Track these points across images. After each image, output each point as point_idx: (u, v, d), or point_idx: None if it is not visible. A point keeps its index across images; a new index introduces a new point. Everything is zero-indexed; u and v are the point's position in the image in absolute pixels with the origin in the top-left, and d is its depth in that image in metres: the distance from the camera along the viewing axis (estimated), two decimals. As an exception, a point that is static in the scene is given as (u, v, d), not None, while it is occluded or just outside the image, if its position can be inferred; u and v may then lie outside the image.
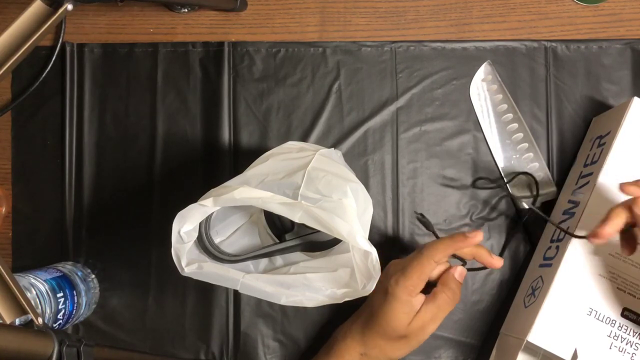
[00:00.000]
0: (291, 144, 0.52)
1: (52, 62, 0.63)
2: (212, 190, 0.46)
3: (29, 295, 0.52)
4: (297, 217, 0.43)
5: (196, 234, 0.47)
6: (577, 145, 0.63)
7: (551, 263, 0.55)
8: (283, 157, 0.49)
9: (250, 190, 0.44)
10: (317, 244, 0.52)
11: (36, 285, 0.54)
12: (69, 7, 0.47)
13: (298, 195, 0.44)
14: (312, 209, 0.42)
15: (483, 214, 0.63)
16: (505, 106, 0.63)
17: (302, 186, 0.44)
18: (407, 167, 0.63)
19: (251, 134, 0.64)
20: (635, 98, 0.55)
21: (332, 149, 0.54)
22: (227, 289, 0.62)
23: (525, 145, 0.63)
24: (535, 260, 0.60)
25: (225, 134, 0.63)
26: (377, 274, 0.43)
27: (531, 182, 0.62)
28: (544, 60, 0.63)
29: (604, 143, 0.56)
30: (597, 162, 0.56)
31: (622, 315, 0.52)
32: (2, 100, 0.65)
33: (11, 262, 0.63)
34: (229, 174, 0.63)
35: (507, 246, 0.62)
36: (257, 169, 0.47)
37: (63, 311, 0.56)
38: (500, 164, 0.63)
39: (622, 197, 0.46)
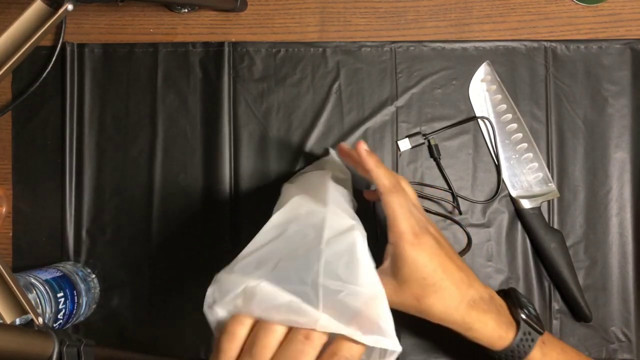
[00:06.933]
0: (298, 200, 0.47)
1: (52, 62, 0.63)
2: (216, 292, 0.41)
3: (29, 295, 0.52)
4: (318, 326, 0.38)
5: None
6: (576, 145, 0.63)
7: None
8: (294, 226, 0.44)
9: (269, 295, 0.39)
10: None
11: (36, 285, 0.54)
12: (69, 7, 0.47)
13: (318, 285, 0.39)
14: (333, 326, 0.38)
15: (483, 213, 0.63)
16: (504, 106, 0.63)
17: (321, 274, 0.39)
18: (407, 167, 0.63)
19: (251, 134, 0.64)
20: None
21: (329, 172, 0.51)
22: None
23: (525, 145, 0.63)
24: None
25: (225, 134, 0.63)
26: None
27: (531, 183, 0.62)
28: (543, 60, 0.63)
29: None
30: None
31: None
32: (3, 100, 0.65)
33: (11, 262, 0.63)
34: (229, 173, 0.63)
35: (507, 246, 0.62)
36: (270, 247, 0.43)
37: (63, 311, 0.56)
38: (500, 164, 0.63)
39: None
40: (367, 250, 0.42)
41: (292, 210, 0.47)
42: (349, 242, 0.42)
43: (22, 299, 0.45)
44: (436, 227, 0.51)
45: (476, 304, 0.47)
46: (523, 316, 0.49)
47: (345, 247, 0.41)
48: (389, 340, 0.38)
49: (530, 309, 0.51)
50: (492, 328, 0.48)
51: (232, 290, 0.40)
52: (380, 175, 0.48)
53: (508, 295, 0.52)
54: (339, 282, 0.39)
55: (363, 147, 0.49)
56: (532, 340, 0.48)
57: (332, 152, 0.61)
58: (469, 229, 0.62)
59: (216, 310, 0.40)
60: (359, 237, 0.42)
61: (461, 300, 0.47)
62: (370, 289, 0.39)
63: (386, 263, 0.47)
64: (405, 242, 0.46)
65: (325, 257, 0.40)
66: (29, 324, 0.44)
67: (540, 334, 0.49)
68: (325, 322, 0.38)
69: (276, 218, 0.46)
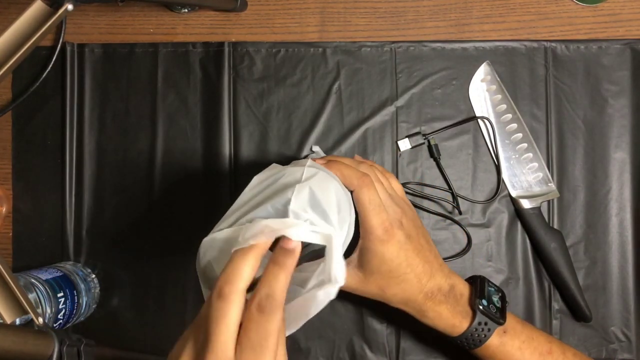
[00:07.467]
0: (276, 166, 0.49)
1: (52, 62, 0.63)
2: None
3: (29, 295, 0.52)
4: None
5: None
6: (576, 145, 0.63)
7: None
8: (273, 180, 0.46)
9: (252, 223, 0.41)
10: (317, 251, 0.51)
11: (36, 285, 0.54)
12: (70, 7, 0.47)
13: (288, 210, 0.41)
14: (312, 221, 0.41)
15: (483, 213, 0.63)
16: (504, 106, 0.63)
17: (292, 202, 0.41)
18: (407, 167, 0.63)
19: (251, 134, 0.64)
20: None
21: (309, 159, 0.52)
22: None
23: (525, 145, 0.63)
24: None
25: (226, 134, 0.63)
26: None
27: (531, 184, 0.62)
28: (543, 60, 0.63)
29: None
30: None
31: None
32: (3, 100, 0.65)
33: (11, 262, 0.63)
34: (229, 174, 0.63)
35: (507, 246, 0.62)
36: (251, 202, 0.45)
37: (63, 311, 0.56)
38: (500, 164, 0.63)
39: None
40: (336, 199, 0.44)
41: (271, 170, 0.48)
42: (325, 183, 0.44)
43: (22, 299, 0.45)
44: (413, 214, 0.52)
45: (433, 295, 0.51)
46: (480, 307, 0.51)
47: (318, 190, 0.43)
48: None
49: (494, 299, 0.53)
50: (445, 317, 0.51)
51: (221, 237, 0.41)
52: (346, 176, 0.49)
53: (474, 284, 0.54)
54: (305, 213, 0.40)
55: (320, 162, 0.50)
56: (489, 329, 0.51)
57: (316, 148, 0.61)
58: (468, 229, 0.62)
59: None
60: (333, 183, 0.45)
61: (420, 292, 0.51)
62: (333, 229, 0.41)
63: (354, 255, 0.50)
64: (375, 238, 0.48)
65: (296, 190, 0.42)
66: (29, 324, 0.44)
67: (500, 324, 0.51)
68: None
69: (256, 179, 0.47)
